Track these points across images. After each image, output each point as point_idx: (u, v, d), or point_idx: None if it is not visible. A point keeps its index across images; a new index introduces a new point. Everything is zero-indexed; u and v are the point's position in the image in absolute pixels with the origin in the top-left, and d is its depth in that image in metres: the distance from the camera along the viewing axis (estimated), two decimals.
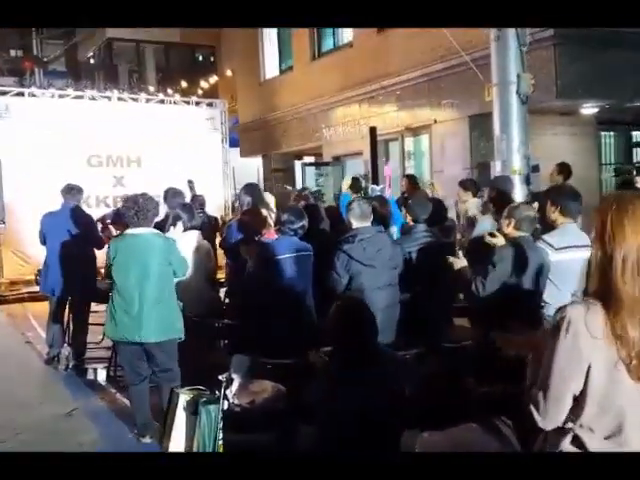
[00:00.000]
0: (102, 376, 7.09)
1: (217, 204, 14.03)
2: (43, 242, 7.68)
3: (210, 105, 15.94)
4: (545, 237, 5.39)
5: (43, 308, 9.44)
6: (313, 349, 5.25)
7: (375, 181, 11.99)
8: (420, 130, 13.38)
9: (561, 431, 2.40)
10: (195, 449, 4.65)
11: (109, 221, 11.19)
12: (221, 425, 4.87)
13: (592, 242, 2.45)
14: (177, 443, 4.95)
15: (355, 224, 5.65)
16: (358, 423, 3.88)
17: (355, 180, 9.13)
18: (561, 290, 5.29)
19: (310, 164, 16.57)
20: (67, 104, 13.98)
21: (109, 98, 14.68)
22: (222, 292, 7.63)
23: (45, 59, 27.64)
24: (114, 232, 5.93)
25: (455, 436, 3.43)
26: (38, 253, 11.75)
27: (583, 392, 2.31)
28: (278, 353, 5.18)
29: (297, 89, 16.73)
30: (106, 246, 7.99)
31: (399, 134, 13.89)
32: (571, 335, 2.27)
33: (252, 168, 19.96)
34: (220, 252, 7.74)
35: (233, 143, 17.03)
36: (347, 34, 15.17)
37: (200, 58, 27.55)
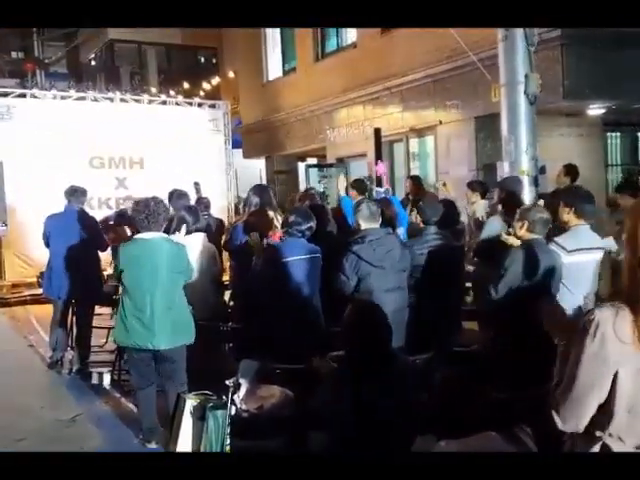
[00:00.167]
0: (106, 380, 6.98)
1: (220, 206, 13.96)
2: (47, 244, 7.59)
3: (213, 106, 15.89)
4: (557, 239, 5.31)
5: (46, 311, 9.37)
6: (322, 354, 5.19)
7: (379, 183, 11.88)
8: (425, 131, 13.29)
9: (589, 440, 2.32)
10: None
11: (112, 223, 11.18)
12: (228, 431, 4.79)
13: (623, 245, 2.36)
14: (184, 449, 4.88)
15: (364, 225, 5.56)
16: (371, 427, 3.81)
17: (360, 182, 9.02)
18: (574, 293, 5.23)
19: (314, 166, 16.48)
20: (69, 105, 13.93)
21: (111, 99, 14.62)
22: (224, 294, 7.53)
23: (47, 61, 27.62)
24: (128, 232, 5.83)
25: (473, 445, 3.33)
26: (40, 255, 11.76)
27: (611, 399, 2.24)
28: (286, 358, 5.09)
29: (300, 90, 16.64)
30: (109, 248, 7.99)
31: (404, 135, 13.80)
32: (598, 339, 2.20)
33: (255, 170, 19.91)
34: (224, 254, 7.65)
35: (236, 145, 16.95)
36: (351, 35, 15.08)
37: (202, 60, 27.50)
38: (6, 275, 13.06)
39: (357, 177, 9.74)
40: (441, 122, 12.40)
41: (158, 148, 14.51)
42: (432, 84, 12.47)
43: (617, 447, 2.26)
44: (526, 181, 7.90)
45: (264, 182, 19.18)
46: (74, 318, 7.74)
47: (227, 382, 4.97)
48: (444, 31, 9.92)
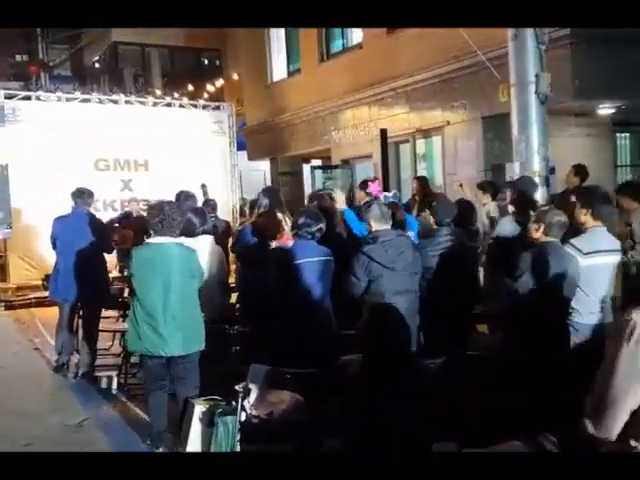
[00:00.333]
0: (113, 384, 6.89)
1: (225, 208, 13.89)
2: (54, 246, 7.53)
3: (217, 108, 15.87)
4: (573, 241, 5.22)
5: (51, 314, 9.30)
6: (334, 358, 5.09)
7: (386, 185, 11.79)
8: (432, 132, 13.17)
9: (623, 449, 2.22)
10: None
11: (117, 225, 11.13)
12: (238, 437, 4.70)
13: (628, 246, 2.28)
14: None
15: (375, 226, 5.47)
16: (388, 433, 3.72)
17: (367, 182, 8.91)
18: (590, 296, 5.15)
19: (319, 167, 16.39)
20: (74, 108, 13.92)
21: (116, 101, 14.57)
22: (230, 297, 7.43)
23: (51, 63, 27.59)
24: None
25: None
26: (45, 258, 11.73)
27: None
28: (297, 362, 4.98)
29: (305, 91, 16.53)
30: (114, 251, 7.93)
31: (410, 136, 13.68)
32: (634, 342, 2.14)
33: (259, 172, 19.84)
34: (230, 256, 7.58)
35: (240, 146, 16.90)
36: (356, 35, 14.97)
37: (205, 62, 27.44)
38: (11, 278, 13.02)
39: (364, 179, 9.63)
40: (449, 122, 12.29)
41: (163, 150, 14.54)
42: (439, 84, 12.36)
43: None
44: (537, 181, 7.79)
45: (268, 184, 19.14)
46: (80, 321, 7.65)
47: (236, 387, 4.89)
48: (451, 31, 9.82)
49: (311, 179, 15.65)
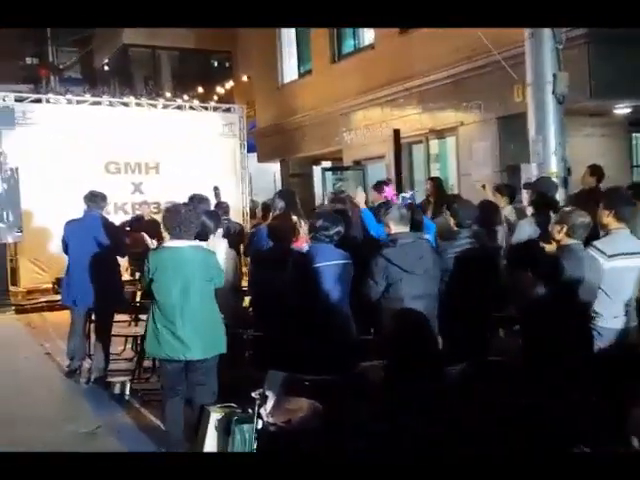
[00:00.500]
0: (126, 390, 6.77)
1: (235, 210, 13.77)
2: (66, 251, 7.42)
3: (228, 110, 15.79)
4: (597, 244, 5.09)
5: (62, 318, 9.24)
6: (353, 364, 4.98)
7: (399, 186, 11.68)
8: (445, 132, 13.05)
9: None
10: None
11: (128, 228, 11.06)
12: (255, 446, 4.59)
13: None
14: None
15: (394, 229, 5.36)
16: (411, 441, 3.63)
17: (382, 184, 8.79)
18: (613, 300, 5.02)
19: (330, 169, 16.29)
20: (84, 110, 13.87)
21: (127, 104, 14.52)
22: (243, 300, 7.33)
23: (61, 66, 27.60)
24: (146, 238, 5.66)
25: None
26: (56, 261, 11.67)
27: None
28: (315, 368, 4.87)
29: (316, 92, 16.43)
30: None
31: (423, 137, 13.57)
32: None
33: (269, 174, 19.76)
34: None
35: (250, 149, 16.82)
36: (368, 35, 14.86)
37: (215, 64, 27.38)
38: (21, 281, 12.96)
39: (378, 180, 9.51)
40: (463, 123, 12.16)
41: (174, 153, 14.49)
42: (453, 84, 12.24)
43: None
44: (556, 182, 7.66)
45: (278, 186, 19.06)
46: (92, 326, 7.57)
47: (253, 394, 4.78)
48: (464, 31, 9.71)
49: (322, 181, 15.53)
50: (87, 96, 14.29)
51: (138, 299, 8.64)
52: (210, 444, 4.84)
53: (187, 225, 4.97)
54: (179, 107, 15.25)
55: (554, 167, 7.91)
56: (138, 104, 14.66)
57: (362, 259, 5.46)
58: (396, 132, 12.31)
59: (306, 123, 17.28)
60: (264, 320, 6.02)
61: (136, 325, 8.25)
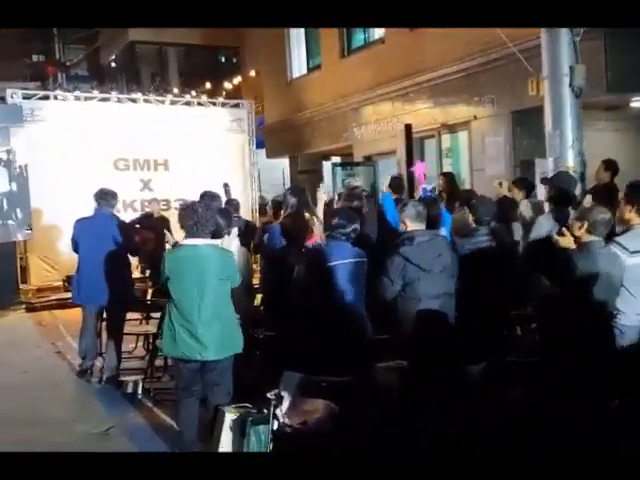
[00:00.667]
0: (138, 389, 6.67)
1: (244, 207, 13.66)
2: (75, 249, 7.32)
3: (237, 106, 15.70)
4: (619, 239, 4.99)
5: (72, 316, 9.17)
6: (369, 364, 4.90)
7: (411, 182, 11.54)
8: (458, 127, 12.92)
9: None
10: None
11: (138, 226, 10.99)
12: (271, 447, 4.51)
13: None
14: None
15: (410, 226, 5.23)
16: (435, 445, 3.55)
17: (396, 179, 8.68)
18: (636, 297, 4.90)
19: (341, 164, 16.16)
20: (93, 107, 13.78)
21: (135, 100, 14.43)
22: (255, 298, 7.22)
23: (67, 63, 27.55)
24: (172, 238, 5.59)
25: None
26: (66, 259, 11.61)
27: None
28: (331, 369, 4.78)
29: (326, 87, 16.32)
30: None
31: (435, 131, 13.44)
32: None
33: (277, 170, 19.66)
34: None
35: (258, 145, 16.73)
36: (378, 30, 14.73)
37: (223, 59, 27.30)
38: (31, 279, 12.90)
39: (392, 175, 9.41)
40: (476, 117, 12.03)
41: (182, 149, 14.43)
42: (465, 78, 12.12)
43: None
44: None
45: (287, 182, 18.97)
46: (104, 324, 7.49)
47: (268, 395, 4.69)
48: None
49: (332, 177, 15.41)
50: (95, 92, 14.19)
51: (149, 297, 8.59)
52: (225, 445, 4.76)
53: (203, 223, 4.89)
54: (187, 103, 15.17)
55: (571, 161, 7.78)
56: (146, 100, 14.58)
57: (377, 257, 5.37)
58: (408, 127, 12.17)
59: (315, 118, 17.19)
60: (278, 319, 5.91)
61: (147, 323, 8.18)
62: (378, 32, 14.80)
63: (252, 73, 20.86)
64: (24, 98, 13.13)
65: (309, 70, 17.80)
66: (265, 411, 4.64)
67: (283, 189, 15.96)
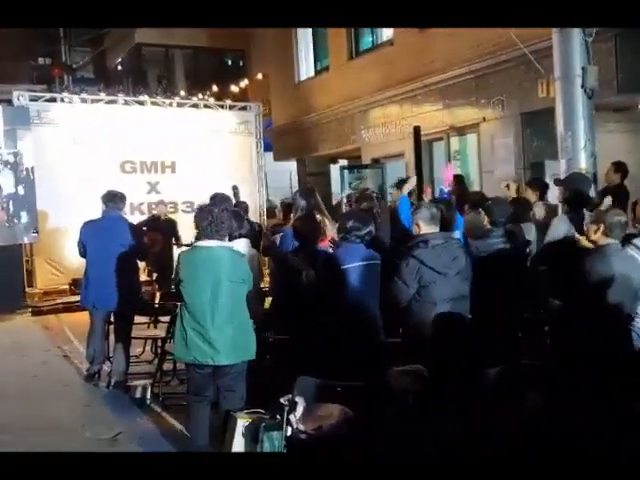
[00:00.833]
0: (147, 394, 6.59)
1: (252, 209, 13.63)
2: (83, 253, 7.24)
3: (244, 109, 15.65)
4: (637, 242, 4.92)
5: (79, 319, 9.13)
6: (383, 368, 4.81)
7: (420, 181, 11.46)
8: (467, 129, 12.82)
9: None
10: None
11: (145, 228, 10.93)
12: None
13: None
14: None
15: (424, 228, 5.16)
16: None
17: (405, 181, 8.61)
18: None
19: (349, 167, 16.11)
20: (100, 109, 13.72)
21: (142, 103, 14.38)
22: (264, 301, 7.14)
23: (74, 66, 27.54)
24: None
25: None
26: (72, 262, 11.57)
27: None
28: (347, 374, 4.70)
29: (334, 90, 16.26)
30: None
31: (444, 134, 13.34)
32: None
33: (284, 173, 19.60)
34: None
35: (265, 147, 16.67)
36: (387, 31, 14.64)
37: (229, 62, 27.27)
38: (37, 283, 12.85)
39: (399, 177, 9.36)
40: (485, 119, 11.94)
41: (189, 152, 14.38)
42: (474, 80, 12.03)
43: None
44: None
45: (294, 185, 18.92)
46: (112, 328, 7.42)
47: (282, 400, 4.61)
48: None
49: (340, 179, 15.36)
50: (102, 95, 14.14)
51: (157, 300, 8.52)
52: (237, 452, 4.68)
53: (218, 225, 4.83)
54: (195, 105, 15.10)
55: (583, 163, 7.68)
56: (153, 103, 14.53)
57: (390, 260, 5.31)
58: (416, 129, 12.09)
59: (323, 121, 17.13)
60: (290, 323, 5.82)
61: (155, 327, 8.10)
62: (386, 34, 14.72)
63: (259, 76, 20.80)
64: (31, 100, 13.08)
65: (317, 72, 17.74)
66: (278, 417, 4.56)
67: (290, 192, 15.92)
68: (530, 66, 10.03)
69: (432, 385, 3.92)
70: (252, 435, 4.59)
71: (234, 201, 9.14)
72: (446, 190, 7.68)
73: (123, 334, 7.17)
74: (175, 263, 4.99)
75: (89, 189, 11.55)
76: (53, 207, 12.69)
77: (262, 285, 7.02)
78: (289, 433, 4.47)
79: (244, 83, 21.45)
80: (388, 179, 13.97)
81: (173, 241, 11.70)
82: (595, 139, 7.90)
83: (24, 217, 12.28)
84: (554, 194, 7.51)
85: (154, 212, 12.91)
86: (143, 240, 7.45)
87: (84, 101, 13.75)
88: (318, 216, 6.27)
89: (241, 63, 25.65)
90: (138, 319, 7.68)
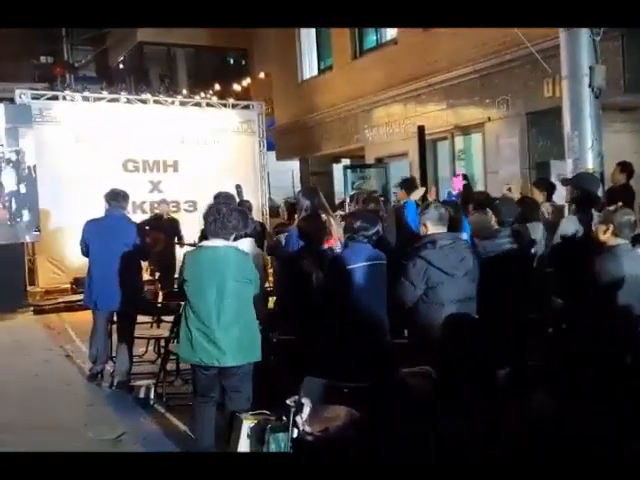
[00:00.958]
0: (150, 394, 6.54)
1: (254, 208, 13.57)
2: (85, 252, 7.18)
3: (247, 107, 15.60)
4: None
5: (81, 318, 9.09)
6: (391, 370, 4.76)
7: (424, 181, 11.41)
8: (471, 129, 12.77)
9: None
10: None
11: (147, 227, 10.87)
12: None
13: None
14: None
15: (432, 229, 5.09)
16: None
17: (409, 181, 8.54)
18: None
19: (353, 166, 16.04)
20: (102, 108, 13.67)
21: (145, 101, 14.33)
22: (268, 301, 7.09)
23: (76, 64, 27.51)
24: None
25: None
26: (74, 261, 11.53)
27: None
28: (353, 375, 4.64)
29: (337, 89, 16.21)
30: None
31: (448, 133, 13.29)
32: None
33: (285, 172, 19.55)
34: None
35: (268, 147, 16.62)
36: (391, 30, 14.58)
37: (231, 61, 27.22)
38: (39, 281, 12.81)
39: (404, 177, 9.28)
40: (490, 119, 11.88)
41: (192, 150, 14.32)
42: (479, 79, 11.98)
43: None
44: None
45: (297, 184, 18.86)
46: (114, 328, 7.37)
47: (288, 401, 4.55)
48: None
49: (343, 179, 15.29)
50: (104, 93, 14.09)
51: (160, 300, 8.47)
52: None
53: (224, 223, 4.75)
54: (197, 104, 15.06)
55: (590, 163, 7.62)
56: (156, 101, 14.49)
57: (395, 261, 5.25)
58: (420, 129, 12.04)
59: (326, 120, 17.08)
60: (296, 323, 5.76)
61: (158, 327, 8.03)
62: (390, 33, 14.66)
63: (261, 75, 20.76)
64: (33, 98, 13.06)
65: (320, 71, 17.69)
66: (284, 418, 4.50)
67: (292, 191, 15.86)
68: (535, 65, 9.98)
69: (441, 387, 3.87)
70: (258, 436, 4.54)
71: (238, 200, 9.08)
72: (454, 193, 7.60)
73: (126, 334, 7.11)
74: (180, 263, 4.91)
75: (91, 188, 11.51)
76: (55, 205, 12.64)
77: (267, 285, 6.95)
78: (295, 435, 4.41)
79: (246, 82, 21.42)
80: (392, 179, 13.90)
81: (175, 240, 11.65)
82: (602, 139, 7.85)
83: (26, 215, 12.22)
84: (560, 194, 7.47)
85: (156, 211, 12.86)
86: (145, 240, 7.38)
87: (86, 99, 13.72)
88: (323, 216, 6.22)
89: (243, 62, 25.61)
90: (141, 319, 7.63)
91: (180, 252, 11.16)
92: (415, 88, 13.51)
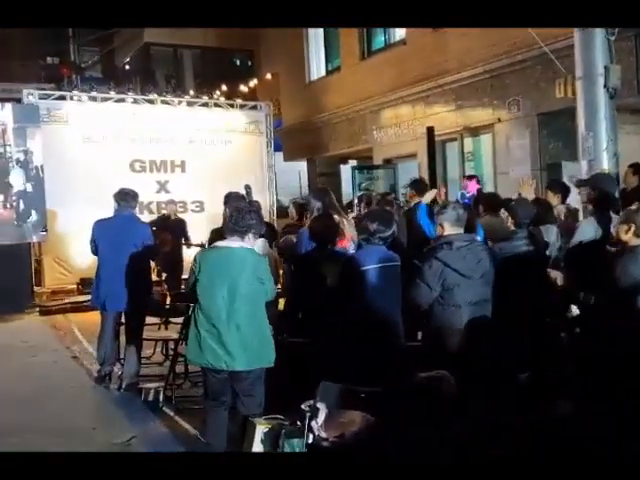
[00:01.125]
0: (160, 397, 6.45)
1: (262, 209, 13.50)
2: (95, 251, 7.10)
3: (254, 108, 15.52)
4: None
5: (88, 319, 9.02)
6: (406, 373, 4.68)
7: (433, 183, 11.32)
8: (481, 130, 12.68)
9: None
10: None
11: (154, 228, 10.79)
12: None
13: None
14: None
15: (448, 230, 5.00)
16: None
17: (418, 182, 8.45)
18: None
19: (361, 167, 15.96)
20: (109, 108, 13.61)
21: (152, 101, 14.27)
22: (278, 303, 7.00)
23: (82, 65, 27.50)
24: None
25: None
26: (81, 262, 11.47)
27: None
28: (368, 378, 4.55)
29: (345, 90, 16.14)
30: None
31: (458, 134, 13.21)
32: None
33: (293, 173, 19.47)
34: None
35: (275, 147, 16.55)
36: (399, 31, 14.51)
37: (238, 62, 27.18)
38: (46, 282, 12.75)
39: (413, 178, 9.22)
40: (500, 120, 11.78)
41: (199, 151, 14.25)
42: (489, 80, 11.89)
43: None
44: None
45: (304, 185, 18.79)
46: (123, 329, 7.28)
47: (303, 406, 4.46)
48: None
49: (352, 180, 15.21)
50: (112, 93, 14.03)
51: (168, 301, 8.39)
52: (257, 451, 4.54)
53: (239, 224, 4.65)
54: (205, 104, 14.99)
55: (605, 164, 7.53)
56: (163, 101, 14.43)
57: (408, 263, 5.17)
58: (430, 130, 11.94)
59: (334, 121, 17.02)
60: (310, 326, 5.66)
61: (166, 328, 7.95)
62: (399, 33, 14.59)
63: (268, 76, 20.71)
64: (40, 98, 13.02)
65: (328, 72, 17.64)
66: (299, 423, 4.41)
67: (300, 192, 15.77)
68: (547, 66, 9.89)
69: (459, 391, 3.78)
70: (272, 442, 4.44)
71: (247, 200, 9.00)
72: (467, 195, 7.51)
73: (135, 335, 7.03)
74: (192, 263, 4.81)
75: (98, 188, 11.46)
76: (62, 206, 12.58)
77: (278, 286, 6.86)
78: (311, 440, 4.32)
79: (253, 83, 21.36)
80: (400, 180, 13.82)
81: (183, 241, 11.59)
82: (617, 140, 7.75)
83: (33, 215, 12.16)
84: (573, 197, 7.36)
85: (163, 211, 12.82)
86: (154, 240, 7.30)
87: (93, 99, 13.66)
88: (335, 216, 6.13)
89: (249, 63, 25.57)
90: (148, 320, 7.55)
91: (187, 253, 11.12)
92: (424, 89, 13.44)
